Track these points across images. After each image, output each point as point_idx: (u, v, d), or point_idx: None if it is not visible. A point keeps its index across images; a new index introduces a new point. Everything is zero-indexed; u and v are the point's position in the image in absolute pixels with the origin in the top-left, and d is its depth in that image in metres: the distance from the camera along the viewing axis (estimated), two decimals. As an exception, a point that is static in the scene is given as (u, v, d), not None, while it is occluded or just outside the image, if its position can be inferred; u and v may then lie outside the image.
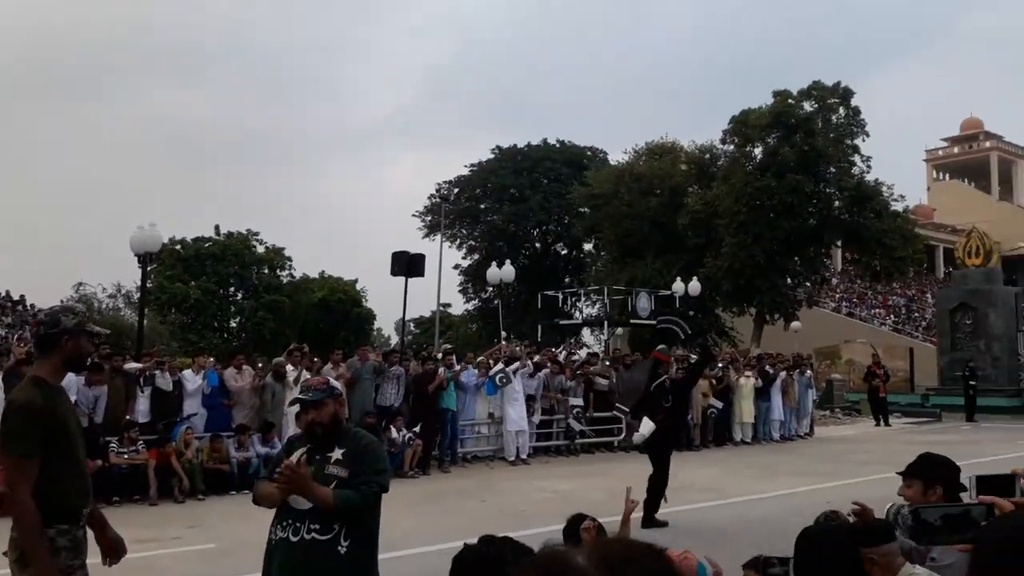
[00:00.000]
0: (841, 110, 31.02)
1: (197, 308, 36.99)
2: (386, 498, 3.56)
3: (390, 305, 71.82)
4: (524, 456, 14.85)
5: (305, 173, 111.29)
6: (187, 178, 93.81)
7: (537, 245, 46.39)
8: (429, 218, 44.73)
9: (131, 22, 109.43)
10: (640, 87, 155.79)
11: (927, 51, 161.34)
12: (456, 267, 45.57)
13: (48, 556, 3.12)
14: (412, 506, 10.01)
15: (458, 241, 45.68)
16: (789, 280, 32.20)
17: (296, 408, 3.74)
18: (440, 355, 15.73)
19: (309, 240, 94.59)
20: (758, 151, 31.32)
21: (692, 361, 12.62)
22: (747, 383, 18.15)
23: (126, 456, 10.79)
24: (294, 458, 3.58)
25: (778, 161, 29.54)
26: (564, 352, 19.74)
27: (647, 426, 9.37)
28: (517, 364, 15.09)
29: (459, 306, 48.67)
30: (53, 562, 3.14)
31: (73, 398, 8.90)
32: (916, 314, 47.67)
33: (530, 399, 15.21)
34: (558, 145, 46.21)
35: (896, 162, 73.32)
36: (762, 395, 18.42)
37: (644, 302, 26.43)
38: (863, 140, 30.94)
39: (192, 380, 12.42)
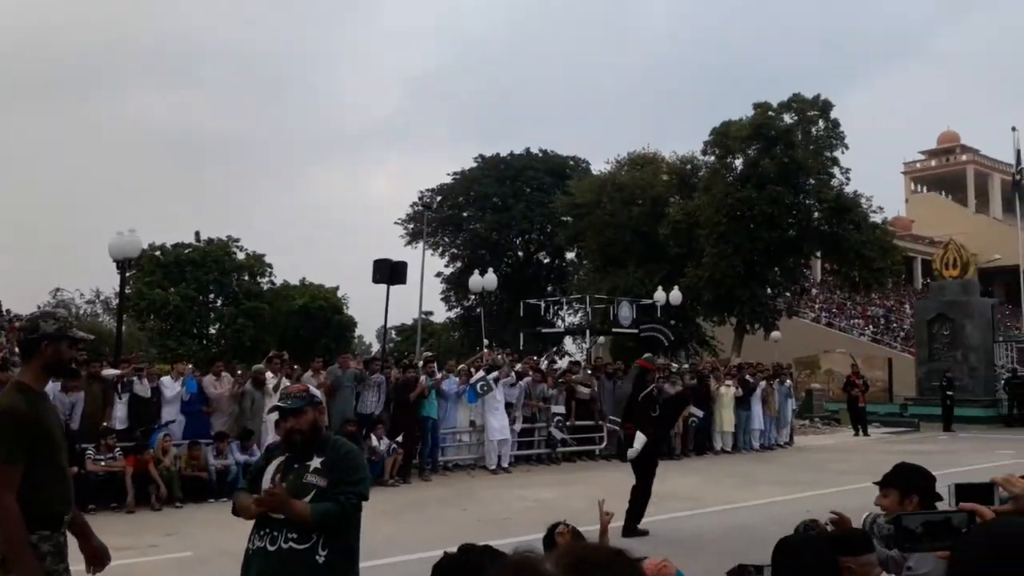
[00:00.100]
0: (820, 123, 31.29)
1: (176, 314, 36.69)
2: (366, 506, 3.55)
3: (372, 312, 71.57)
4: (506, 464, 14.83)
5: (286, 180, 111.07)
6: (167, 184, 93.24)
7: (519, 253, 46.43)
8: (411, 226, 44.68)
9: (111, 27, 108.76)
10: (622, 98, 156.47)
11: (905, 66, 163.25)
12: (438, 275, 45.54)
13: (34, 561, 3.10)
14: (393, 514, 9.97)
15: (440, 249, 45.64)
16: (769, 290, 32.39)
17: (275, 416, 3.72)
18: (421, 363, 15.70)
19: (290, 247, 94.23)
20: (738, 162, 31.54)
21: (673, 393, 12.65)
22: (727, 392, 18.24)
23: (103, 463, 10.68)
24: (270, 469, 3.57)
25: (758, 172, 29.75)
26: (545, 361, 19.75)
27: (640, 440, 9.32)
28: (497, 372, 15.08)
29: (441, 314, 48.62)
30: (39, 567, 3.11)
31: (49, 405, 8.79)
32: (895, 325, 48.08)
33: (508, 407, 15.18)
34: (541, 154, 46.32)
35: (875, 174, 74.30)
36: (742, 404, 18.51)
37: (626, 311, 26.50)
38: (842, 152, 31.26)
39: (170, 387, 12.33)
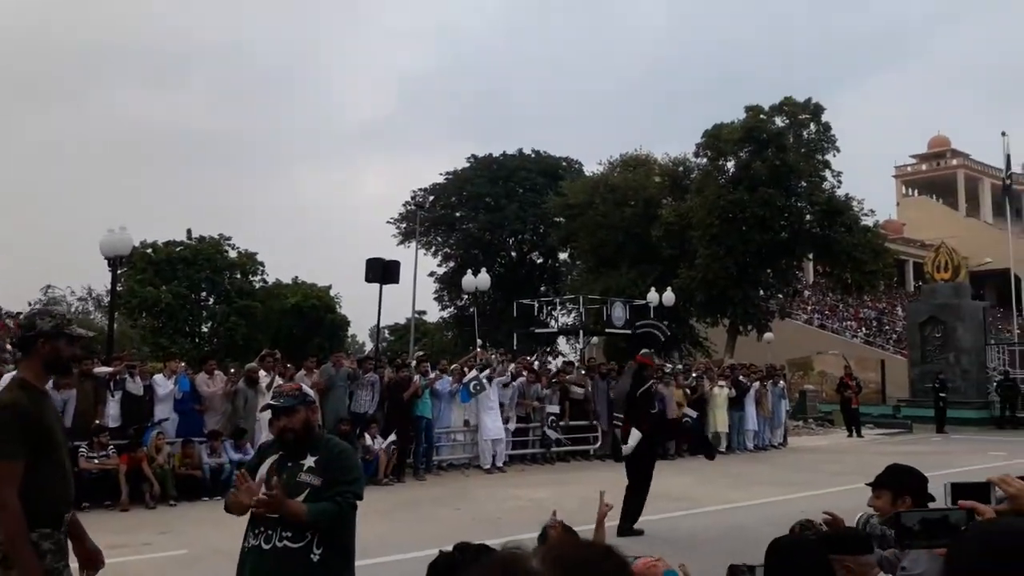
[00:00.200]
0: (812, 126, 31.35)
1: (168, 312, 36.56)
2: (361, 505, 3.55)
3: (364, 312, 71.43)
4: (500, 464, 14.84)
5: (279, 178, 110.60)
6: (159, 181, 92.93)
7: (512, 254, 46.42)
8: (404, 225, 44.61)
9: (105, 25, 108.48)
10: (614, 100, 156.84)
11: (897, 69, 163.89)
12: (431, 274, 45.51)
13: (35, 558, 3.08)
14: (387, 514, 9.97)
15: (433, 248, 45.62)
16: (761, 292, 32.46)
17: (268, 414, 3.72)
18: (414, 362, 15.68)
19: (282, 245, 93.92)
20: (730, 165, 31.59)
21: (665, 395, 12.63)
22: (721, 393, 18.28)
23: (96, 461, 10.65)
24: (263, 468, 3.56)
25: (750, 175, 29.81)
26: (536, 361, 19.77)
27: (635, 437, 9.24)
28: (488, 371, 15.09)
29: (434, 313, 48.60)
30: (39, 564, 3.10)
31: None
32: (887, 327, 48.26)
33: (500, 407, 15.17)
34: (533, 155, 46.32)
35: (866, 178, 74.39)
36: (736, 405, 18.54)
37: (619, 311, 26.54)
38: (834, 155, 31.29)
39: (163, 385, 12.30)
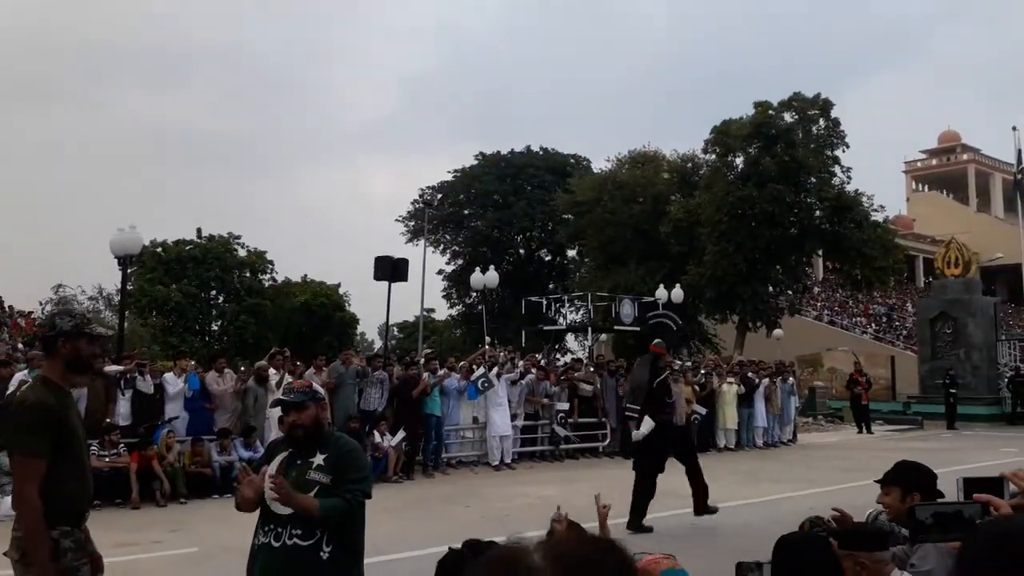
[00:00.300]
0: (821, 121, 31.21)
1: (178, 311, 36.70)
2: (370, 503, 3.56)
3: (373, 310, 71.65)
4: (508, 461, 14.85)
5: (288, 177, 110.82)
6: (168, 181, 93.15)
7: (521, 251, 46.41)
8: (412, 223, 44.65)
9: (105, 25, 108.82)
10: (622, 97, 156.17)
11: (906, 65, 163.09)
12: (440, 272, 45.51)
13: (48, 557, 3.10)
14: (396, 511, 9.99)
15: (441, 246, 45.63)
16: (771, 288, 32.35)
17: (278, 412, 3.73)
18: (423, 360, 15.71)
19: (292, 244, 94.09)
20: (739, 161, 31.47)
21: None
22: (730, 390, 18.25)
23: (107, 459, 10.71)
24: (273, 465, 3.57)
25: (759, 171, 29.70)
26: (543, 359, 19.77)
27: (647, 424, 9.25)
28: (497, 368, 15.10)
29: (443, 311, 48.61)
30: (57, 563, 3.12)
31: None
32: (897, 323, 48.05)
33: (508, 403, 15.18)
34: (541, 152, 46.27)
35: (876, 173, 74.13)
36: (745, 402, 18.52)
37: (628, 308, 26.53)
38: (843, 151, 31.18)
39: (173, 383, 12.34)
